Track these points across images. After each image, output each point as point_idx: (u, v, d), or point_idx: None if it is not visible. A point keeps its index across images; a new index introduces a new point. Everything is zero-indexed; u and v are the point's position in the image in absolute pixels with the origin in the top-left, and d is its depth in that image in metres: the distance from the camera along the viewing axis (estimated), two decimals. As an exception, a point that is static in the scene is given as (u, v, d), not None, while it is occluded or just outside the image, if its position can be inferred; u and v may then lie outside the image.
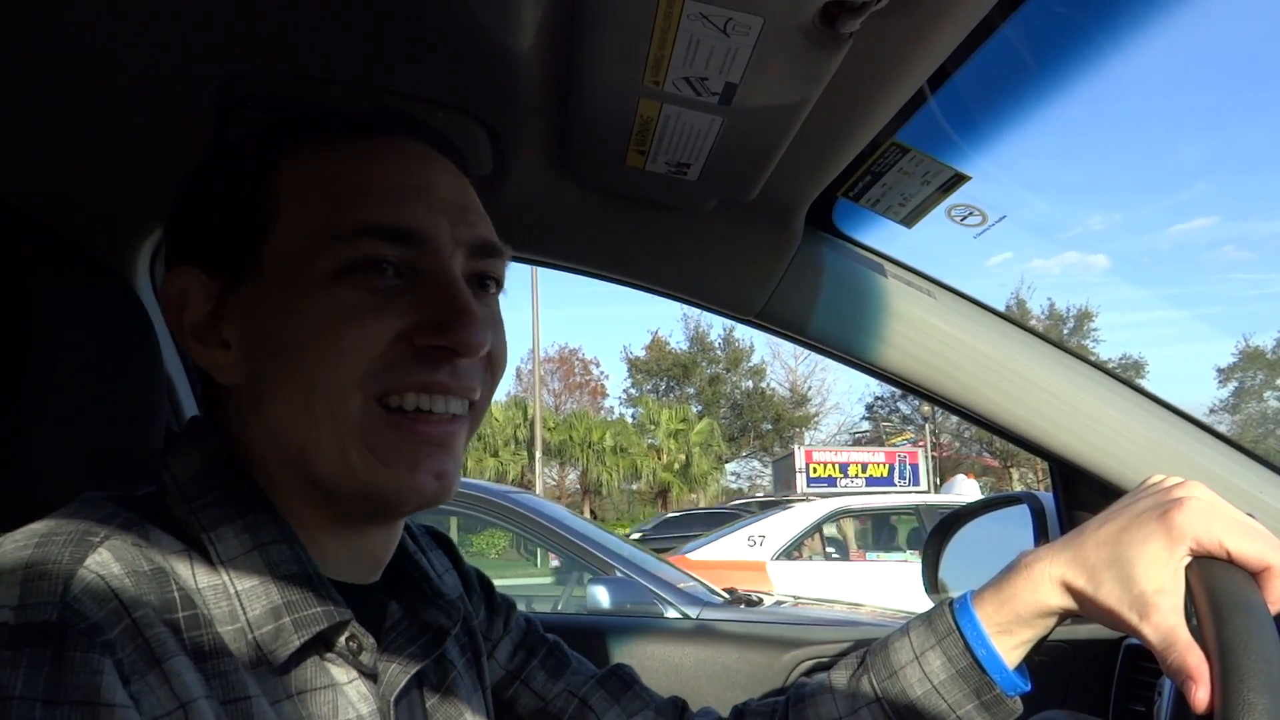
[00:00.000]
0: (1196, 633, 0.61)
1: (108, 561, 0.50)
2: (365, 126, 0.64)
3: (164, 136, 0.85)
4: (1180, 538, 0.64)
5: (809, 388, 42.16)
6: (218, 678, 0.51)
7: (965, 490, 12.81)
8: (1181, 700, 0.96)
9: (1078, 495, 1.14)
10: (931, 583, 1.51)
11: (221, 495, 0.58)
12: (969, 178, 0.96)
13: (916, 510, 8.45)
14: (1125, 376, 1.07)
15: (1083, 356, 1.06)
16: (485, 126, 0.86)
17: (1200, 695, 0.57)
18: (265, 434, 0.61)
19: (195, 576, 0.54)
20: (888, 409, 44.28)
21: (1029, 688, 0.73)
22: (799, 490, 14.87)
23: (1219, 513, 0.65)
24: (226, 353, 0.61)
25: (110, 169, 0.91)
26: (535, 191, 0.98)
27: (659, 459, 32.55)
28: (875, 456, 15.67)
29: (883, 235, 1.15)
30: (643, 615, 1.82)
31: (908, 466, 15.26)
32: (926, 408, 42.14)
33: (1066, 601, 0.69)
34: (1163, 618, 0.62)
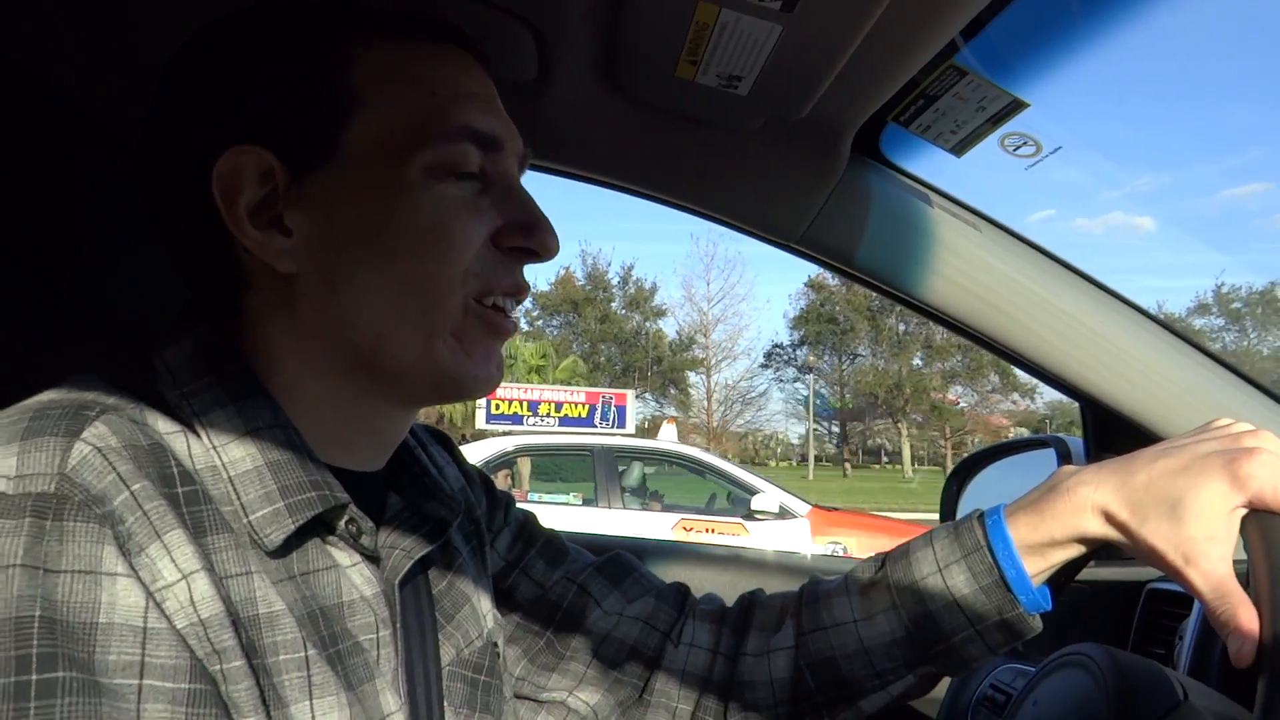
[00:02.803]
0: (1245, 585, 0.59)
1: (104, 434, 0.49)
2: (434, 31, 0.64)
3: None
4: (1243, 488, 0.61)
5: (705, 330, 42.24)
6: (217, 553, 0.51)
7: (665, 435, 12.63)
8: (1204, 647, 0.96)
9: (1111, 440, 1.13)
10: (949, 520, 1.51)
11: (213, 380, 0.57)
12: (1027, 105, 0.93)
13: (591, 451, 8.17)
14: (1176, 327, 1.05)
15: (1131, 303, 1.04)
16: (532, 30, 0.83)
17: (1245, 651, 0.56)
18: (324, 322, 0.59)
19: (192, 457, 0.54)
20: (785, 358, 44.67)
21: (1051, 606, 0.71)
22: (477, 426, 13.72)
23: None
24: (286, 240, 0.58)
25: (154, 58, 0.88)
26: (577, 102, 0.96)
27: (517, 394, 31.96)
28: (574, 396, 14.84)
29: (926, 169, 1.12)
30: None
31: (612, 408, 14.01)
32: (813, 357, 42.64)
33: (1106, 531, 0.66)
34: (1213, 566, 0.60)
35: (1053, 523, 0.68)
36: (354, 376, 0.61)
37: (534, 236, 0.63)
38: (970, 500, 1.55)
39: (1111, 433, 1.13)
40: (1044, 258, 1.05)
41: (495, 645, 0.72)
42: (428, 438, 0.80)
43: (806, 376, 43.62)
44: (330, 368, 0.60)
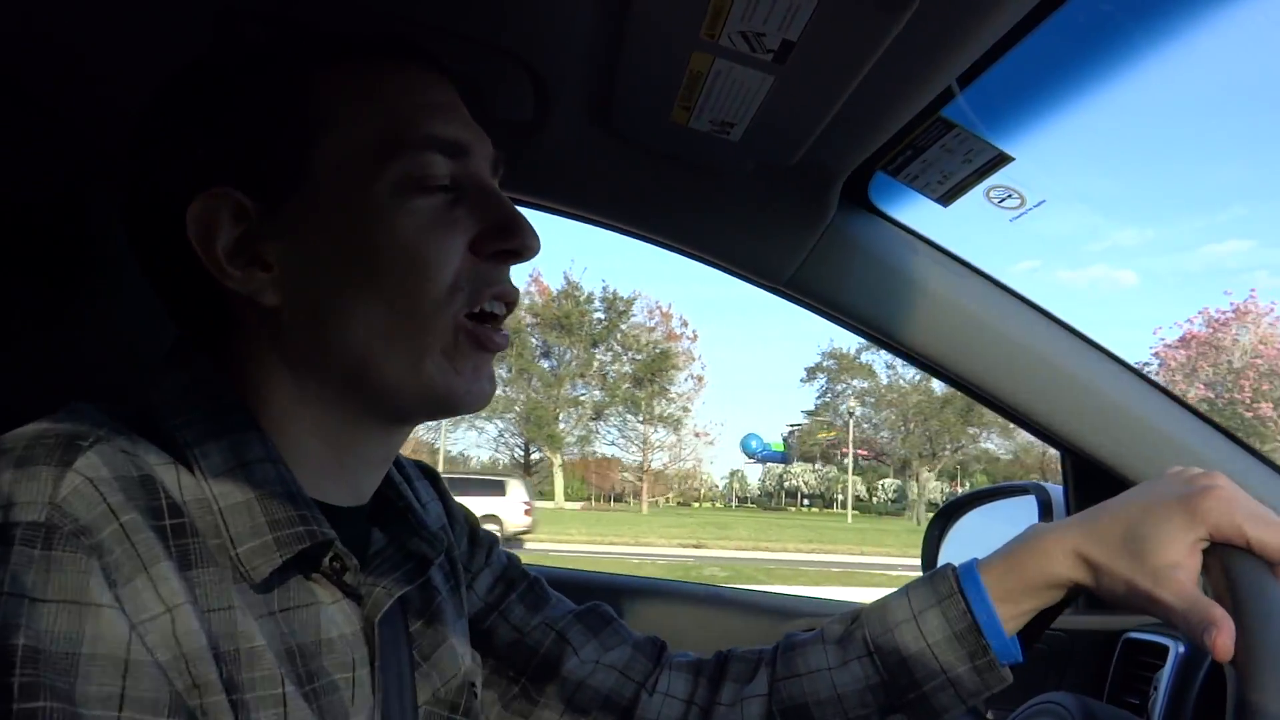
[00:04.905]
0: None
1: (96, 465, 0.49)
2: (395, 51, 0.64)
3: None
4: (1200, 522, 0.64)
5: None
6: (201, 586, 0.51)
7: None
8: (1178, 697, 0.97)
9: (1090, 488, 1.14)
10: (931, 566, 1.52)
11: (206, 413, 0.57)
12: (1012, 159, 0.95)
13: None
14: (1151, 377, 1.07)
15: (1111, 354, 1.06)
16: (531, 72, 0.85)
17: (1224, 640, 0.58)
18: (312, 350, 0.60)
19: (181, 489, 0.54)
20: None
21: (1022, 658, 0.73)
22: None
23: (1240, 502, 0.65)
24: (266, 274, 0.59)
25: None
26: (572, 143, 0.97)
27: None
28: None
29: (915, 217, 1.14)
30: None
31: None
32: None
33: (1078, 573, 0.69)
34: (1180, 585, 0.63)
35: (1024, 569, 0.70)
36: (343, 402, 0.61)
37: (513, 237, 0.62)
38: (952, 543, 1.56)
39: (1093, 481, 1.15)
40: (1027, 307, 1.07)
41: (473, 685, 0.72)
42: (415, 473, 0.80)
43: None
44: (319, 396, 0.61)
